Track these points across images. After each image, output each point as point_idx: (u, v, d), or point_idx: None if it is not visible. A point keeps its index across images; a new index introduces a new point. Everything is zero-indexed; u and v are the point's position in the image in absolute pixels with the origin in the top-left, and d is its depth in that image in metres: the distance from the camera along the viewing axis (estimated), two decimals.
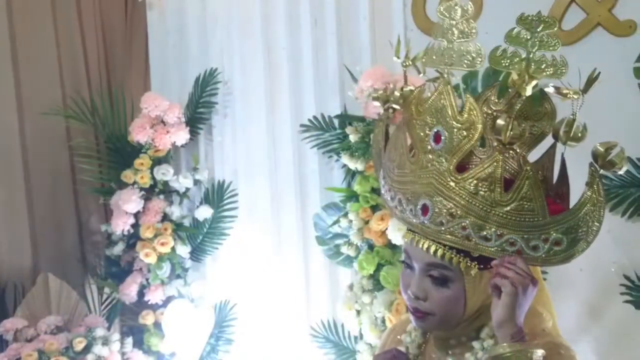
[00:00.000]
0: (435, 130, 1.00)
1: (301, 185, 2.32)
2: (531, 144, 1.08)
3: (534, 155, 1.07)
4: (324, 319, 2.26)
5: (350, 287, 2.06)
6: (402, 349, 1.22)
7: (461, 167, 1.01)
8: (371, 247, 2.02)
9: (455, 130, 0.97)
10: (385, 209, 1.93)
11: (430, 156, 1.01)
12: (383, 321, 1.95)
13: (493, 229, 0.97)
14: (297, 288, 2.36)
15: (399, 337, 1.28)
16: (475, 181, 0.97)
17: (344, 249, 2.07)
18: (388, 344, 1.31)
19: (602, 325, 1.89)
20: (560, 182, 1.06)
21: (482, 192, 0.97)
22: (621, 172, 0.95)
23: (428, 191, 1.01)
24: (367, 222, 1.97)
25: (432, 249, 1.03)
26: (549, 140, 1.04)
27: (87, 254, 2.74)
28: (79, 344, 2.22)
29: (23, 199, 2.52)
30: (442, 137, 0.99)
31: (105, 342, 2.27)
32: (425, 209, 1.02)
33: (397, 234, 1.84)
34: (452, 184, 0.98)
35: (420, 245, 1.05)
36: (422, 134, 1.02)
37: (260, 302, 2.45)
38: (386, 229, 1.89)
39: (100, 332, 2.30)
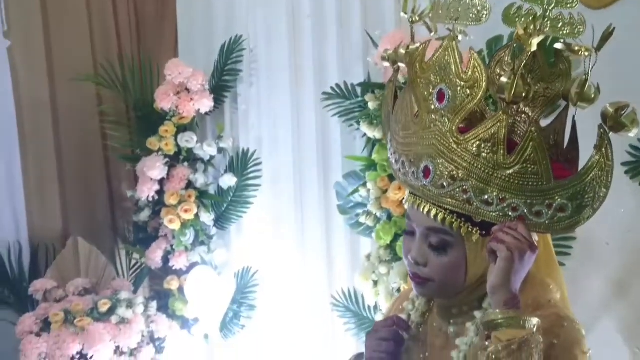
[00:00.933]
0: (439, 88, 0.96)
1: (324, 154, 2.30)
2: (544, 107, 1.04)
3: None
4: (345, 289, 2.26)
5: (368, 257, 2.05)
6: (404, 316, 1.21)
7: (467, 130, 0.98)
8: (389, 217, 1.99)
9: (458, 88, 0.93)
10: None
11: (434, 116, 0.97)
12: (399, 292, 1.93)
13: (495, 193, 0.94)
14: (318, 257, 2.36)
15: (402, 305, 1.26)
16: (477, 142, 0.93)
17: (363, 219, 2.05)
18: (393, 311, 1.30)
19: (627, 303, 1.82)
20: (570, 146, 1.02)
21: (484, 154, 0.93)
22: (632, 135, 0.89)
23: (430, 153, 0.98)
24: (385, 192, 1.94)
25: (433, 212, 1.00)
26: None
27: (117, 220, 2.79)
28: (104, 306, 2.28)
29: (54, 164, 2.58)
30: (446, 96, 0.95)
31: (130, 304, 2.32)
32: (427, 172, 0.99)
33: None
34: (454, 145, 0.95)
35: (421, 209, 1.02)
36: (425, 93, 0.98)
37: (283, 270, 2.47)
38: (403, 198, 1.85)
39: (124, 294, 2.35)
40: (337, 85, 2.18)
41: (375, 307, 2.13)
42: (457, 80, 0.93)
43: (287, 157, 2.41)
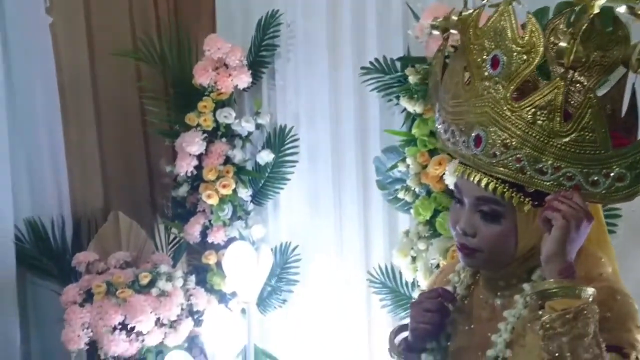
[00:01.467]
0: (493, 54, 0.94)
1: (362, 130, 2.29)
2: (600, 76, 1.01)
3: None
4: (382, 265, 2.26)
5: (406, 233, 2.04)
6: (449, 288, 1.20)
7: (520, 98, 0.96)
8: (428, 193, 1.98)
9: (514, 54, 0.91)
10: (443, 153, 1.88)
11: (487, 83, 0.95)
12: (438, 268, 1.92)
13: (550, 162, 0.92)
14: (355, 233, 2.36)
15: (446, 278, 1.26)
16: (533, 109, 0.91)
17: (402, 194, 2.04)
18: (437, 284, 1.29)
19: None
20: (629, 114, 0.99)
21: (540, 122, 0.91)
22: None
23: (482, 121, 0.96)
24: (424, 167, 1.93)
25: (484, 182, 0.99)
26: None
27: (155, 195, 2.83)
28: (144, 278, 2.32)
29: (95, 139, 2.62)
30: (500, 62, 0.93)
31: (169, 278, 2.36)
32: (478, 140, 0.98)
33: (453, 179, 1.78)
34: (508, 112, 0.93)
35: (472, 179, 1.01)
36: (479, 59, 0.96)
37: (319, 246, 2.47)
38: (443, 174, 1.84)
39: (164, 268, 2.39)
40: (376, 59, 2.15)
41: (413, 284, 2.12)
42: (513, 46, 0.91)
43: (324, 132, 2.40)
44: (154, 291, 2.30)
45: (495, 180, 0.98)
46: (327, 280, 2.46)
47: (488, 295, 1.15)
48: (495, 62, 0.94)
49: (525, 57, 0.90)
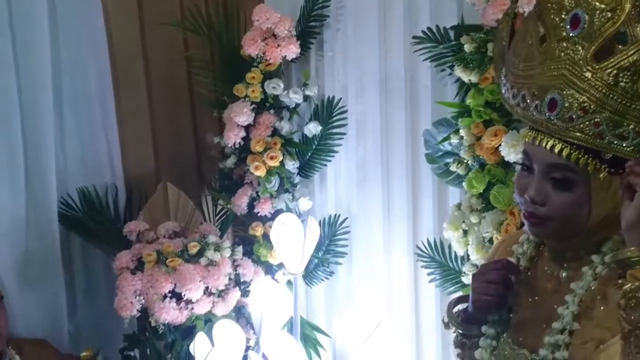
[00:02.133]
0: (573, 13, 0.90)
1: (412, 101, 2.25)
2: None
3: None
4: (430, 239, 2.23)
5: (458, 206, 2.00)
6: (513, 259, 1.18)
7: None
8: (482, 165, 1.93)
9: (597, 12, 0.87)
10: (498, 124, 1.83)
11: (565, 44, 0.91)
12: (491, 241, 1.88)
13: (632, 126, 0.88)
14: (404, 206, 2.33)
15: (509, 248, 1.23)
16: (615, 71, 0.87)
17: (454, 167, 2.00)
18: (497, 255, 1.27)
19: None
20: None
21: (622, 84, 0.87)
22: None
23: (558, 84, 0.92)
24: (479, 139, 1.88)
25: (557, 147, 0.95)
26: None
27: (203, 167, 2.85)
28: (193, 248, 2.35)
29: (146, 110, 2.64)
30: (581, 21, 0.89)
31: (217, 248, 2.39)
32: (553, 104, 0.94)
33: (510, 151, 1.74)
34: (588, 74, 0.89)
35: (544, 144, 0.97)
36: (556, 19, 0.92)
37: (366, 219, 2.46)
38: (499, 145, 1.79)
39: (212, 238, 2.42)
40: (429, 28, 2.10)
41: (463, 258, 2.09)
42: (596, 3, 0.87)
43: (373, 104, 2.36)
44: (203, 261, 2.33)
45: (570, 146, 0.94)
46: (373, 254, 2.44)
47: (553, 267, 1.12)
48: (575, 22, 0.89)
49: (609, 14, 0.86)
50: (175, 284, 2.26)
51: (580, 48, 0.89)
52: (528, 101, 0.99)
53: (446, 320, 1.24)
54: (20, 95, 2.24)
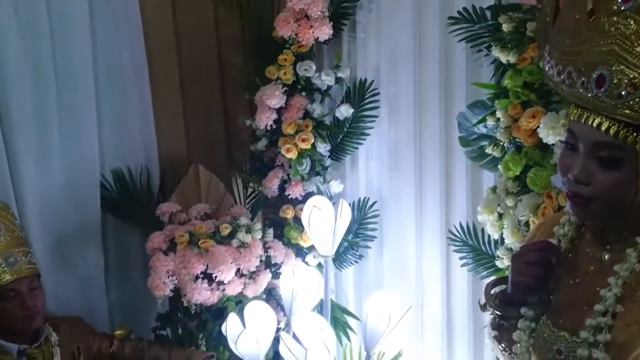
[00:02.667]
0: None
1: (446, 83, 2.21)
2: None
3: None
4: (463, 223, 2.21)
5: (493, 189, 1.97)
6: (554, 241, 1.15)
7: None
8: (518, 147, 1.90)
9: None
10: (537, 105, 1.79)
11: (615, 18, 0.88)
12: (527, 225, 1.85)
13: None
14: (436, 189, 2.31)
15: (549, 230, 1.21)
16: None
17: (489, 150, 1.96)
18: (537, 237, 1.25)
19: None
20: None
21: None
22: None
23: (607, 59, 0.90)
24: (516, 121, 1.84)
25: (605, 125, 0.93)
26: None
27: (233, 149, 2.86)
28: (225, 230, 2.36)
29: (179, 92, 2.66)
30: None
31: (249, 230, 2.40)
32: (601, 80, 0.91)
33: (549, 132, 1.70)
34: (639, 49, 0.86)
35: (590, 122, 0.95)
36: None
37: (397, 202, 2.44)
38: (537, 127, 1.75)
39: (244, 220, 2.43)
40: (465, 8, 2.06)
41: (497, 242, 2.07)
42: None
43: (407, 86, 2.34)
44: (234, 242, 2.34)
45: (617, 124, 0.91)
46: (405, 237, 2.43)
47: (595, 249, 1.10)
48: None
49: None
50: (207, 265, 2.27)
51: (632, 22, 0.86)
52: (574, 78, 0.96)
53: (483, 302, 1.23)
54: (57, 79, 2.26)
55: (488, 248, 2.14)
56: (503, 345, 1.24)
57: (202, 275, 2.28)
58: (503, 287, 1.21)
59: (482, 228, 2.15)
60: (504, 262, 1.97)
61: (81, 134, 2.34)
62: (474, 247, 2.18)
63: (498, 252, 2.04)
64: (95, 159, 2.39)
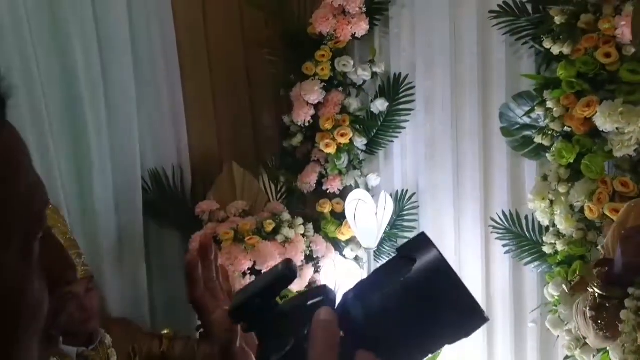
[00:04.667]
0: None
1: (484, 75, 2.27)
2: None
3: None
4: (504, 211, 2.27)
5: (544, 177, 2.03)
6: None
7: None
8: (567, 136, 1.96)
9: None
10: (590, 95, 1.85)
11: None
12: (581, 211, 1.92)
13: None
14: (475, 180, 2.36)
15: None
16: None
17: (538, 139, 2.02)
18: (632, 219, 1.30)
19: None
20: None
21: None
22: None
23: None
24: (567, 110, 1.91)
25: None
26: None
27: (261, 147, 2.87)
28: (269, 226, 2.38)
29: (209, 92, 2.65)
30: None
31: (291, 225, 2.42)
32: None
33: (606, 120, 1.76)
34: None
35: None
36: None
37: (435, 194, 2.49)
38: (592, 115, 1.81)
39: (286, 216, 2.44)
40: (505, 2, 2.12)
41: (544, 228, 2.13)
42: None
43: (444, 79, 2.38)
44: (279, 238, 2.36)
45: None
46: (443, 228, 2.48)
47: None
48: None
49: None
50: (254, 261, 2.29)
51: None
52: None
53: (589, 280, 1.27)
54: (105, 78, 2.24)
55: (533, 235, 2.20)
56: (601, 324, 1.29)
57: (249, 272, 2.29)
58: (605, 268, 1.26)
59: (525, 215, 2.22)
60: (556, 247, 2.03)
61: (123, 135, 2.32)
62: (517, 234, 2.24)
63: (545, 239, 2.10)
64: (137, 160, 2.38)
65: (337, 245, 2.59)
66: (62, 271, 0.45)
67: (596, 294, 1.27)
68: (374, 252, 2.58)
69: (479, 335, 2.45)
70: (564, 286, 1.85)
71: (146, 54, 2.41)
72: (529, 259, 2.22)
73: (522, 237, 2.24)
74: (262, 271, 2.28)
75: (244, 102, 2.82)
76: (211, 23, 2.63)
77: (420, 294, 0.46)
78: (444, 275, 0.46)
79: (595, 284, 1.26)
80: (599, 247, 1.90)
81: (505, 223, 2.27)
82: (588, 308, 1.31)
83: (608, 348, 1.82)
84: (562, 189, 1.94)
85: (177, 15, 2.49)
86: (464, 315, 0.46)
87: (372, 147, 2.60)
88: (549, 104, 1.93)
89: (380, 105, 2.49)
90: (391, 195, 2.54)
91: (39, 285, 0.42)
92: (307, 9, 2.54)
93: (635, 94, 1.72)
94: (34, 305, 0.42)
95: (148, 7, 2.39)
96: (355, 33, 2.41)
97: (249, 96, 2.84)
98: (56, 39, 2.11)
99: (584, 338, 1.42)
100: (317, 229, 2.57)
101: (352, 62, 2.45)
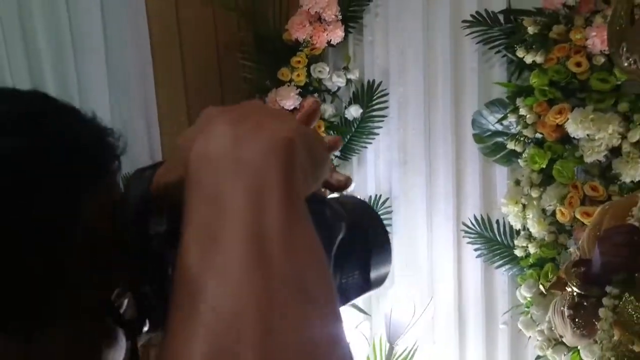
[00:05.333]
0: None
1: (456, 83, 2.32)
2: None
3: None
4: (475, 216, 2.32)
5: (517, 182, 2.09)
6: (636, 223, 1.26)
7: None
8: (539, 142, 2.02)
9: None
10: (563, 102, 1.92)
11: None
12: (553, 214, 1.98)
13: None
14: (448, 186, 2.41)
15: (619, 214, 1.31)
16: None
17: (510, 145, 2.08)
18: (606, 221, 1.35)
19: None
20: None
21: None
22: None
23: None
24: (539, 117, 1.97)
25: None
26: None
27: None
28: None
29: (182, 94, 2.63)
30: None
31: None
32: None
33: (578, 127, 1.83)
34: None
35: None
36: None
37: (408, 199, 2.53)
38: (564, 122, 1.88)
39: None
40: (478, 12, 2.18)
41: (516, 232, 2.18)
42: None
43: (416, 87, 2.43)
44: None
45: None
46: (416, 233, 2.52)
47: None
48: None
49: None
50: None
51: None
52: None
53: (568, 280, 1.32)
54: (78, 81, 2.21)
55: (504, 239, 2.26)
56: (578, 322, 1.34)
57: None
58: (582, 269, 1.30)
59: (496, 220, 2.28)
60: (528, 250, 2.08)
61: None
62: (489, 238, 2.29)
63: (516, 242, 2.16)
64: None
65: None
66: None
67: (574, 293, 1.32)
68: None
69: (451, 336, 2.49)
70: (541, 287, 1.90)
71: (119, 57, 2.38)
72: (500, 262, 2.27)
73: (493, 241, 2.29)
74: None
75: (217, 105, 2.79)
76: (184, 25, 2.61)
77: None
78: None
79: (574, 283, 1.30)
80: (570, 250, 1.97)
81: (477, 227, 2.32)
82: (566, 307, 1.36)
83: (579, 347, 1.89)
84: (534, 194, 2.00)
85: (150, 17, 2.47)
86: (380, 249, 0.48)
87: (345, 153, 2.62)
88: (522, 111, 1.99)
89: (354, 112, 2.52)
90: (366, 200, 2.57)
91: None
92: (282, 14, 2.56)
93: (604, 101, 1.79)
94: None
95: (122, 8, 2.36)
96: (330, 40, 2.44)
97: (223, 100, 2.82)
98: (25, 41, 2.07)
99: (561, 337, 1.46)
100: None
101: (327, 69, 2.47)
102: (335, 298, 0.30)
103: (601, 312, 1.26)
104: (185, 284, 0.29)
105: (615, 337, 1.27)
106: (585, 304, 1.31)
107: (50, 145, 0.37)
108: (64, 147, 0.38)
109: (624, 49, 1.18)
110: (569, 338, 1.41)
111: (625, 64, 1.18)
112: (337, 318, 0.29)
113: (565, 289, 1.35)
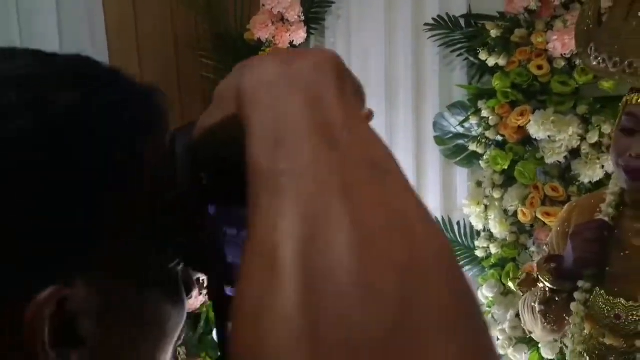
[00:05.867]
0: None
1: (418, 86, 2.34)
2: None
3: None
4: (437, 217, 2.34)
5: (479, 183, 2.12)
6: (605, 219, 1.29)
7: None
8: (500, 144, 2.06)
9: None
10: (525, 104, 1.96)
11: None
12: (515, 215, 2.01)
13: None
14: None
15: (586, 211, 1.34)
16: None
17: (472, 147, 2.11)
18: (574, 218, 1.38)
19: None
20: None
21: None
22: None
23: None
24: (501, 119, 2.01)
25: None
26: None
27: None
28: None
29: None
30: None
31: None
32: None
33: (539, 129, 1.87)
34: None
35: None
36: None
37: None
38: (526, 124, 1.92)
39: None
40: (439, 16, 2.20)
41: (476, 233, 2.22)
42: None
43: (377, 89, 2.43)
44: None
45: None
46: None
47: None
48: None
49: None
50: None
51: None
52: (637, 66, 1.11)
53: (538, 276, 1.33)
54: None
55: (465, 240, 2.28)
56: (549, 317, 1.36)
57: None
58: (554, 264, 1.32)
59: (457, 221, 2.30)
60: (489, 250, 2.11)
61: None
62: (450, 239, 2.31)
63: (477, 242, 2.19)
64: None
65: None
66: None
67: (547, 289, 1.33)
68: None
69: None
70: (510, 284, 1.92)
71: (74, 50, 2.29)
72: (461, 263, 2.30)
73: (454, 243, 2.31)
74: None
75: (173, 105, 2.73)
76: (141, 20, 2.54)
77: None
78: None
79: (547, 279, 1.32)
80: (531, 249, 2.01)
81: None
82: (537, 302, 1.37)
83: (540, 345, 1.92)
84: (496, 195, 2.03)
85: (107, 11, 2.39)
86: None
87: None
88: (484, 113, 2.02)
89: None
90: None
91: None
92: (243, 13, 2.52)
93: (565, 104, 1.85)
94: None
95: (77, 3, 2.28)
96: (293, 41, 2.42)
97: (180, 99, 2.76)
98: None
99: (530, 333, 1.48)
100: None
101: None
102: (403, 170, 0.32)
103: (573, 306, 1.28)
104: (260, 181, 0.29)
105: (586, 331, 1.30)
106: (557, 299, 1.33)
107: (108, 99, 0.38)
108: (121, 100, 0.39)
109: (592, 49, 1.21)
110: (538, 333, 1.43)
111: (594, 63, 1.21)
112: (411, 185, 0.31)
113: (536, 285, 1.37)
